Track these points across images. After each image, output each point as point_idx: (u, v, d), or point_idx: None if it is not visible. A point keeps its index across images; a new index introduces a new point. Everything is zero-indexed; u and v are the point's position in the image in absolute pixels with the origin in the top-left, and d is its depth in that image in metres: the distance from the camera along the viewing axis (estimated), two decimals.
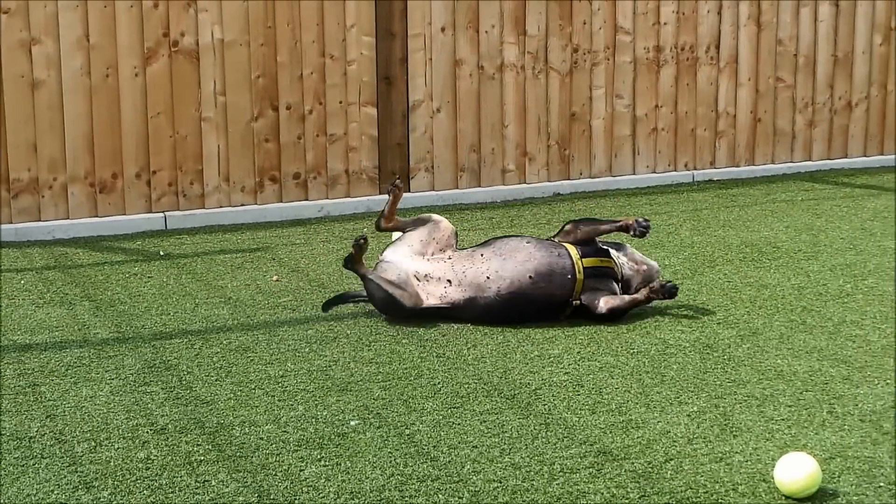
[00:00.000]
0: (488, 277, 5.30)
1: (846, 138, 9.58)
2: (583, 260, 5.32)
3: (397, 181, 5.75)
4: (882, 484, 3.59)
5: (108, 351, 5.01)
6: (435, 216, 5.60)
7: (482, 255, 5.37)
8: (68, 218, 7.42)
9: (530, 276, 5.28)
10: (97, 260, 6.74)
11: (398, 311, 5.35)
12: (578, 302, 5.31)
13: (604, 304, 5.31)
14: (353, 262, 5.52)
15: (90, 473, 3.75)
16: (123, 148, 7.49)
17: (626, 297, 5.36)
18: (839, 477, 3.65)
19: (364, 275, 5.46)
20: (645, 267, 5.54)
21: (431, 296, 5.35)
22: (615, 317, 5.32)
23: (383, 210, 5.69)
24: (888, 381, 4.49)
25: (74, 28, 7.29)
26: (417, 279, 5.37)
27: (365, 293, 5.50)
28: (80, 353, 4.98)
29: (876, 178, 9.09)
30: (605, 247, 5.47)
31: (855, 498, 3.50)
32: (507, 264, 5.31)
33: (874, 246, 6.72)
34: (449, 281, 5.36)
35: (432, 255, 5.46)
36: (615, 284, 5.41)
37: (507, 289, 5.27)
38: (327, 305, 5.54)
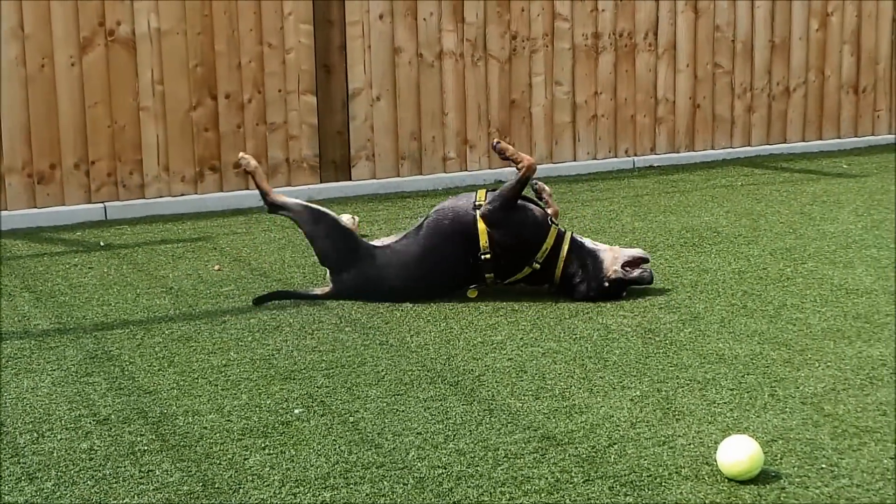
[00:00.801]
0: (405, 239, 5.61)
1: (785, 123, 9.66)
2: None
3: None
4: (823, 465, 3.63)
5: (49, 342, 4.96)
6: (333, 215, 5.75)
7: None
8: (6, 209, 7.34)
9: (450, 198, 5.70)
10: (36, 251, 6.68)
11: (331, 225, 5.60)
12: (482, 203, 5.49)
13: (484, 208, 5.45)
14: (265, 194, 5.73)
15: (33, 464, 3.72)
16: (61, 138, 7.42)
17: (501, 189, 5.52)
18: (781, 459, 3.68)
19: (283, 202, 5.72)
20: (619, 252, 5.56)
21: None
22: (496, 209, 5.42)
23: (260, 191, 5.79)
24: (828, 363, 4.53)
25: (9, 18, 7.21)
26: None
27: (298, 293, 5.60)
28: (21, 344, 4.93)
29: (815, 163, 9.17)
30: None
31: (797, 479, 3.54)
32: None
33: (813, 230, 6.78)
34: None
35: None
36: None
37: (436, 210, 5.60)
38: (259, 301, 5.52)
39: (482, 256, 5.42)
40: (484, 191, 5.58)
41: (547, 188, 5.75)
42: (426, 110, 8.41)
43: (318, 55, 8.05)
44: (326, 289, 5.57)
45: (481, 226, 5.41)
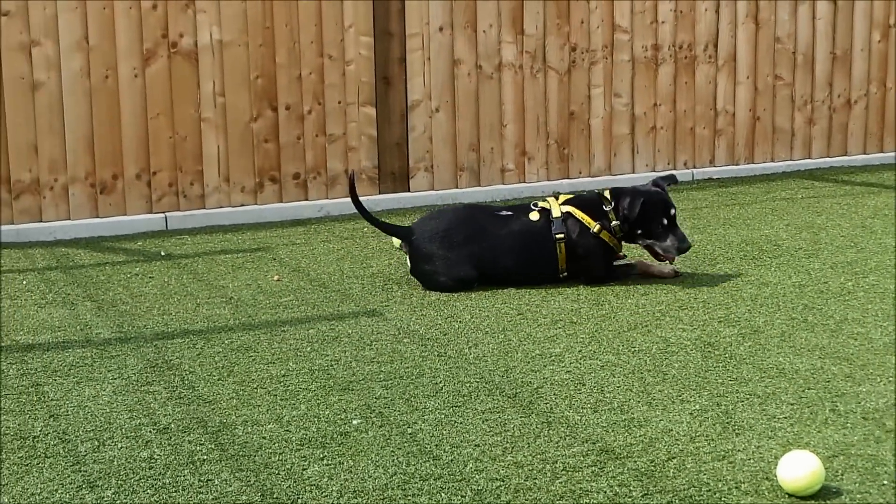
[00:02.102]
0: None
1: (845, 136, 9.59)
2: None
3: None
4: (885, 482, 3.60)
5: (110, 351, 5.01)
6: None
7: None
8: (69, 218, 7.43)
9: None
10: (98, 260, 6.75)
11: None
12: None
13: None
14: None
15: (94, 473, 3.76)
16: (123, 148, 7.50)
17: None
18: (842, 475, 3.65)
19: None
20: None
21: None
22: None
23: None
24: (890, 378, 4.49)
25: (74, 30, 7.30)
26: None
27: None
28: (83, 353, 4.99)
29: (876, 176, 9.09)
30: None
31: (858, 496, 3.51)
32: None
33: (875, 243, 6.72)
34: None
35: None
36: None
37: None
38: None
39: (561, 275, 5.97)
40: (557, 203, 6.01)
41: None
42: (485, 122, 8.42)
43: (377, 67, 8.08)
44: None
45: (561, 249, 5.94)
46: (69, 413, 4.28)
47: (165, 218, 7.62)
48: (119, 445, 3.97)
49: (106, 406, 4.34)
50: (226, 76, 7.69)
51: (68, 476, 3.73)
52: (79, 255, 6.89)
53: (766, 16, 9.16)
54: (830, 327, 5.16)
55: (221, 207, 7.79)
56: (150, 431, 4.09)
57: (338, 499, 3.54)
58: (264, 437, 4.02)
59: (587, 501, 3.51)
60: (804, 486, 3.49)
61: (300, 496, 3.57)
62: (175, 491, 3.62)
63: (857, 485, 3.58)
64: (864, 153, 9.67)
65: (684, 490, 3.57)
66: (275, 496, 3.57)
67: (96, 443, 4.00)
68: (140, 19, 7.43)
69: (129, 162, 7.53)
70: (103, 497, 3.59)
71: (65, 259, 6.78)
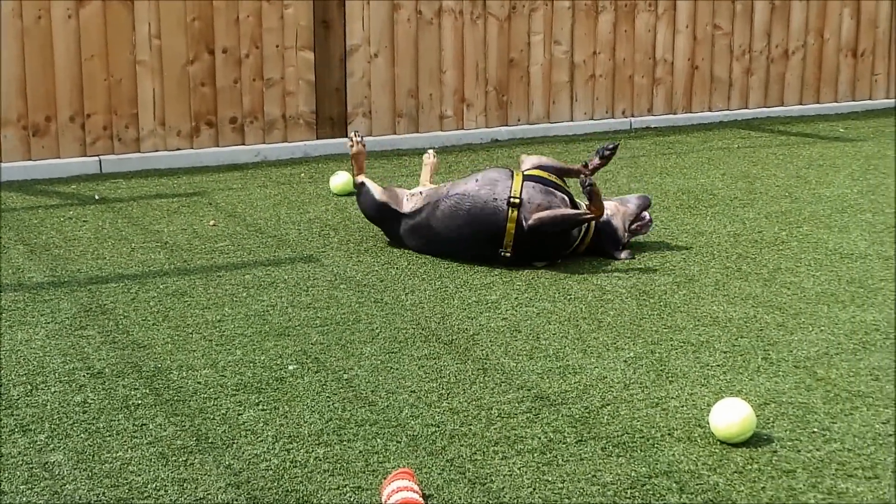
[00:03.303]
0: (446, 188, 5.56)
1: (782, 86, 9.64)
2: (529, 171, 5.49)
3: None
4: (815, 429, 3.64)
5: (43, 295, 4.96)
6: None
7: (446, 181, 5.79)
8: (1, 161, 7.32)
9: (476, 180, 5.47)
10: (31, 204, 6.66)
11: (386, 213, 5.69)
12: (517, 200, 5.30)
13: (533, 217, 5.30)
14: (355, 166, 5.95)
15: (26, 417, 3.73)
16: (57, 91, 7.39)
17: (557, 210, 5.34)
18: (773, 422, 3.69)
19: (361, 182, 5.85)
20: (625, 207, 5.63)
21: (407, 204, 5.65)
22: (543, 229, 5.29)
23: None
24: (822, 327, 4.54)
25: None
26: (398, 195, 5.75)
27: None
28: (15, 296, 4.93)
29: (811, 127, 9.16)
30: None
31: (789, 443, 3.55)
32: (461, 178, 5.69)
33: (809, 194, 6.78)
34: (420, 192, 5.67)
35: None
36: (564, 203, 5.41)
37: (455, 190, 5.46)
38: None
39: (501, 252, 5.36)
40: (520, 178, 5.40)
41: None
42: (424, 68, 8.38)
43: (316, 11, 8.01)
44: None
45: (509, 225, 5.31)
46: (2, 357, 4.23)
47: (100, 161, 7.53)
48: (52, 390, 3.94)
49: (39, 350, 4.31)
50: (162, 18, 7.58)
51: (2, 420, 3.70)
52: (11, 198, 6.80)
53: None
54: (764, 276, 5.21)
55: (157, 151, 7.71)
56: (84, 376, 4.07)
57: (273, 444, 3.54)
58: (199, 382, 4.01)
59: (522, 447, 3.53)
60: (736, 433, 3.52)
61: (235, 441, 3.56)
62: (109, 435, 3.60)
63: (787, 432, 3.62)
64: (801, 104, 9.74)
65: (618, 437, 3.59)
66: (210, 440, 3.56)
67: (29, 387, 3.97)
68: None
69: (62, 105, 7.42)
70: (36, 441, 3.56)
71: None
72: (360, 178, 5.88)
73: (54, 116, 7.41)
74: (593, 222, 5.42)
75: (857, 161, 7.74)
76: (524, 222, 5.29)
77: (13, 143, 7.33)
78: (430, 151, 6.18)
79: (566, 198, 5.43)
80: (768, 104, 9.61)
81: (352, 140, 5.99)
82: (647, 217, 5.64)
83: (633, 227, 5.61)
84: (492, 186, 5.38)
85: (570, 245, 5.43)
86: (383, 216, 5.73)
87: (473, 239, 5.39)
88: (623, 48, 9.01)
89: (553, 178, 5.48)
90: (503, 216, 5.31)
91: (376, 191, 5.76)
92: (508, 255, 5.35)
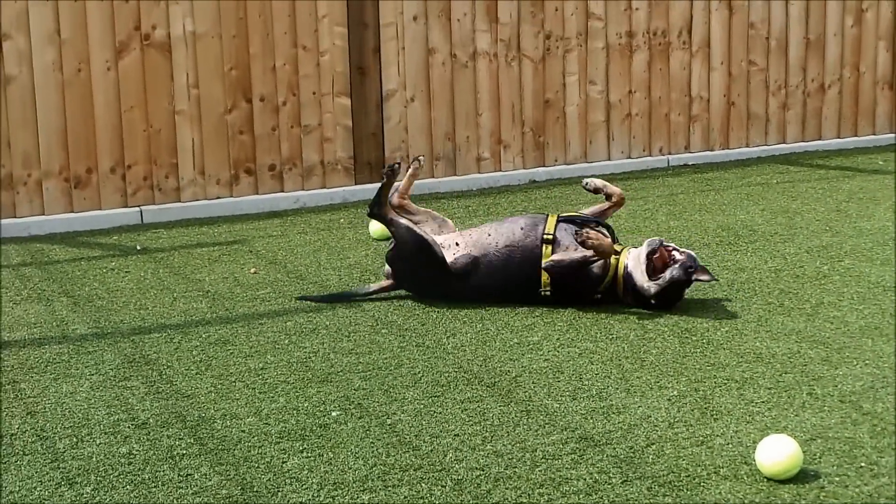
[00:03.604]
0: (489, 234, 5.50)
1: (820, 120, 9.61)
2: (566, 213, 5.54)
3: (395, 165, 5.74)
4: (863, 464, 3.61)
5: (87, 346, 4.99)
6: (440, 216, 5.81)
7: (484, 227, 5.62)
8: (43, 214, 7.39)
9: (521, 228, 5.45)
10: (74, 255, 6.72)
11: (429, 256, 5.47)
12: (551, 237, 5.35)
13: (547, 260, 5.34)
14: (380, 204, 5.63)
15: (72, 469, 3.74)
16: (97, 142, 7.47)
17: (569, 252, 5.35)
18: (820, 458, 3.67)
19: (392, 219, 5.60)
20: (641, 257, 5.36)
21: (447, 253, 5.53)
22: (557, 272, 5.31)
23: (378, 195, 5.67)
24: (866, 361, 4.51)
25: (45, 23, 7.26)
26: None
27: (361, 291, 5.66)
28: (60, 349, 4.97)
29: (850, 160, 9.12)
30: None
31: (836, 479, 3.52)
32: (504, 224, 5.55)
33: (850, 227, 6.74)
34: (457, 244, 5.54)
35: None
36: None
37: (503, 241, 5.43)
38: (305, 299, 5.58)
39: (541, 292, 5.38)
40: (555, 218, 5.45)
41: (597, 182, 5.72)
42: (460, 111, 8.42)
43: (352, 57, 8.06)
44: (384, 283, 5.62)
45: (544, 262, 5.35)
46: (47, 410, 4.26)
47: (141, 211, 7.59)
48: (97, 441, 3.96)
49: (83, 402, 4.33)
50: (199, 68, 7.66)
51: (47, 473, 3.72)
52: (54, 250, 6.86)
53: (739, 1, 9.17)
54: (807, 311, 5.18)
55: (197, 200, 7.76)
56: (129, 427, 4.08)
57: (318, 491, 3.54)
58: (243, 431, 4.02)
59: (567, 489, 3.51)
60: (782, 470, 3.50)
61: (280, 489, 3.57)
62: (154, 486, 3.61)
63: (834, 468, 3.59)
64: (839, 137, 9.70)
65: (664, 476, 3.58)
66: (255, 489, 3.57)
67: (74, 439, 3.99)
68: (112, 11, 7.39)
69: (103, 155, 7.49)
70: (82, 494, 3.58)
71: (40, 255, 6.75)
72: (390, 216, 5.60)
73: (95, 168, 7.48)
74: (619, 268, 5.32)
75: None
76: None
77: (55, 194, 7.40)
78: (421, 157, 5.99)
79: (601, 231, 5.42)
80: (806, 138, 9.59)
81: (419, 162, 5.89)
82: (680, 257, 5.27)
83: (656, 278, 5.24)
84: (534, 231, 5.41)
85: (596, 286, 5.35)
86: (428, 258, 5.48)
87: (522, 283, 5.41)
88: (658, 86, 9.02)
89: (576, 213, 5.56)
90: (539, 255, 5.35)
91: (419, 229, 5.56)
92: (549, 293, 5.36)
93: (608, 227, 5.50)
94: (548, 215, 5.50)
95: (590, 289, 5.37)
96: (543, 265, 5.33)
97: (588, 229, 5.31)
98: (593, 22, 8.71)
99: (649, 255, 5.26)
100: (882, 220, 6.87)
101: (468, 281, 5.46)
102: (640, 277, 5.27)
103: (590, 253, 5.28)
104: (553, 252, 5.35)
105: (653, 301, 5.24)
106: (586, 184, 5.70)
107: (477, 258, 5.46)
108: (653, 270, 5.24)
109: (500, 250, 5.43)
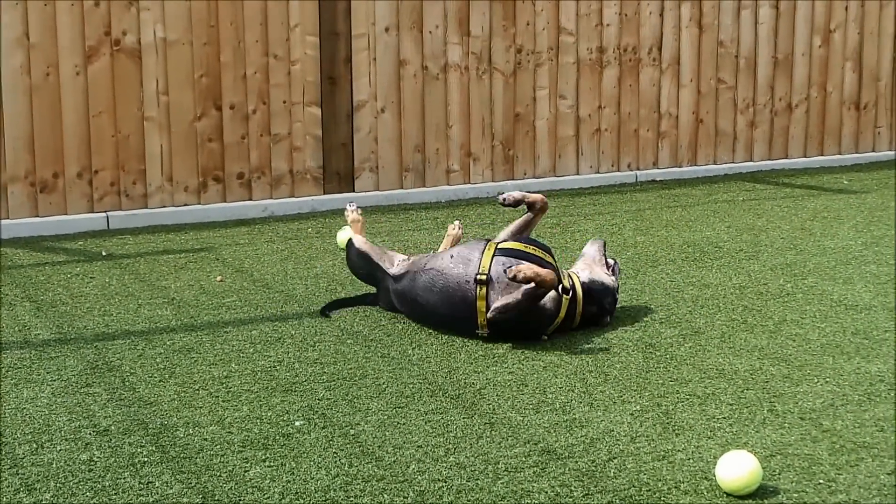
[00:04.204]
0: (425, 259, 5.32)
1: (786, 139, 9.68)
2: (503, 243, 5.21)
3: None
4: (822, 481, 3.64)
5: (49, 352, 4.97)
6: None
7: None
8: (8, 218, 7.36)
9: (451, 256, 5.18)
10: (38, 260, 6.69)
11: (370, 267, 5.56)
12: (484, 277, 5.01)
13: (492, 310, 5.01)
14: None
15: (32, 475, 3.73)
16: (65, 147, 7.44)
17: (514, 293, 4.96)
18: (779, 474, 3.69)
19: (349, 238, 5.72)
20: (592, 260, 5.36)
21: (396, 267, 5.45)
22: (503, 319, 4.98)
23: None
24: (827, 379, 4.54)
25: (14, 27, 7.23)
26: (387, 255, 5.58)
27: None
28: (21, 354, 4.94)
29: (815, 179, 9.19)
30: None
31: (795, 495, 3.55)
32: (441, 251, 5.46)
33: (814, 246, 6.79)
34: (408, 258, 5.47)
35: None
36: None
37: (431, 265, 5.21)
38: (326, 310, 5.57)
39: (478, 332, 5.09)
40: (490, 253, 5.09)
41: (515, 194, 5.45)
42: (430, 123, 8.43)
43: (323, 67, 8.07)
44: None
45: (479, 304, 5.03)
46: (7, 415, 4.24)
47: (107, 217, 7.57)
48: (58, 448, 3.95)
49: (44, 408, 4.31)
50: (170, 75, 7.65)
51: (6, 479, 3.70)
52: (18, 254, 6.83)
53: (709, 20, 9.23)
54: (769, 328, 5.21)
55: (164, 207, 7.74)
56: (90, 434, 4.07)
57: (280, 500, 3.54)
58: (206, 439, 4.01)
59: (529, 502, 3.52)
60: (742, 486, 3.52)
61: (242, 498, 3.56)
62: (115, 493, 3.60)
63: (793, 484, 3.62)
64: (805, 156, 9.77)
65: (625, 490, 3.59)
66: (216, 498, 3.56)
67: (34, 445, 3.97)
68: (82, 16, 7.37)
69: (70, 161, 7.47)
70: (42, 500, 3.56)
71: (3, 259, 6.72)
72: (353, 237, 5.68)
73: (62, 173, 7.45)
74: (568, 295, 5.08)
75: (861, 213, 7.76)
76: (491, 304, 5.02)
77: (20, 199, 7.37)
78: (457, 223, 5.81)
79: (542, 263, 5.08)
80: (773, 157, 9.65)
81: (347, 209, 5.86)
82: (613, 262, 5.42)
83: (611, 273, 5.33)
84: (465, 265, 5.10)
85: (552, 319, 5.08)
86: (368, 270, 5.52)
87: (451, 316, 5.14)
88: (628, 102, 9.06)
89: (528, 247, 5.16)
90: (473, 295, 5.06)
91: (361, 243, 5.58)
92: (485, 334, 5.08)
93: (547, 249, 5.22)
94: (486, 245, 5.17)
95: (537, 328, 5.07)
96: (488, 316, 4.98)
97: (517, 263, 4.96)
98: (564, 37, 8.75)
99: (604, 249, 5.43)
100: (845, 240, 6.92)
101: (405, 294, 5.33)
102: (604, 274, 5.32)
103: (531, 286, 4.89)
104: (488, 293, 5.02)
105: (611, 299, 5.26)
106: (504, 199, 5.38)
107: (410, 271, 5.31)
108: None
109: (427, 271, 5.20)
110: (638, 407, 4.28)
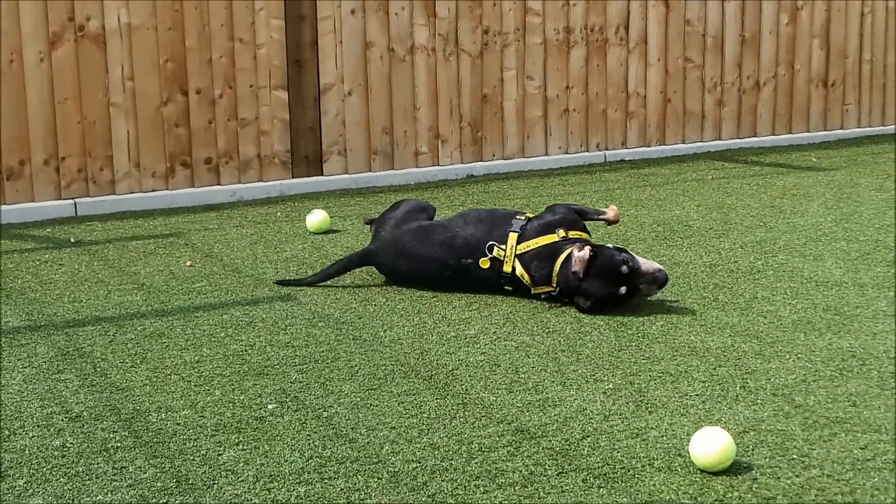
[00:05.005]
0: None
1: (755, 117, 9.70)
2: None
3: None
4: (795, 456, 3.65)
5: (19, 339, 4.94)
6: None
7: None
8: None
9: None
10: (6, 248, 6.64)
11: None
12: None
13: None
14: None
15: (5, 462, 3.71)
16: (31, 134, 7.38)
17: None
18: (753, 450, 3.70)
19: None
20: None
21: None
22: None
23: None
24: (799, 355, 4.56)
25: None
26: None
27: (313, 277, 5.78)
28: None
29: (784, 157, 9.22)
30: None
31: (768, 470, 3.56)
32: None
33: (783, 223, 6.81)
34: None
35: None
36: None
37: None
38: (284, 283, 5.73)
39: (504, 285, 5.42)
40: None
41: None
42: (398, 105, 8.41)
43: (289, 50, 8.03)
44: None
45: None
46: None
47: (75, 204, 7.52)
48: (30, 434, 3.92)
49: (16, 395, 4.29)
50: (135, 60, 7.60)
51: None
52: None
53: None
54: (741, 306, 5.23)
55: (132, 193, 7.70)
56: (63, 420, 4.05)
57: (254, 483, 3.53)
58: (179, 424, 4.00)
59: (503, 481, 3.52)
60: (716, 462, 3.53)
61: (216, 481, 3.55)
62: (89, 479, 3.58)
63: (767, 459, 3.63)
64: (773, 134, 9.80)
65: (599, 468, 3.60)
66: (190, 482, 3.55)
67: (7, 432, 3.95)
68: (45, 2, 7.31)
69: (36, 148, 7.41)
70: (15, 486, 3.54)
71: None
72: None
73: (28, 160, 7.40)
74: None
75: (830, 190, 7.79)
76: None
77: None
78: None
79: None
80: (741, 135, 9.67)
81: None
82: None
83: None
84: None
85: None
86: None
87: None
88: (595, 82, 9.06)
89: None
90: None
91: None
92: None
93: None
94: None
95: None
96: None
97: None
98: (531, 17, 8.74)
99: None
100: (815, 217, 6.95)
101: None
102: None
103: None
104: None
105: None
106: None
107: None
108: None
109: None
110: (611, 385, 4.29)
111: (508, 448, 3.76)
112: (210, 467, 3.65)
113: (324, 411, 4.09)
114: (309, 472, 3.60)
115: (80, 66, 7.45)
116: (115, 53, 7.54)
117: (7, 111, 7.31)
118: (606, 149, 9.18)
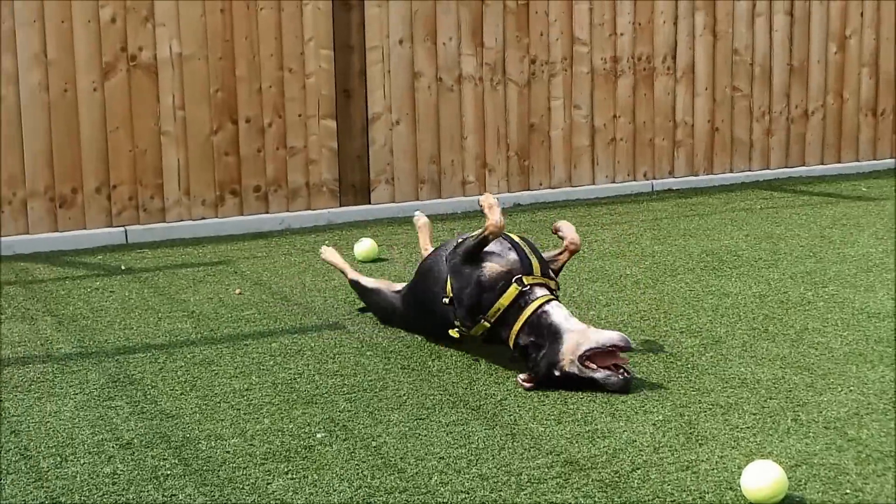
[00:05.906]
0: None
1: (803, 146, 9.66)
2: None
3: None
4: (848, 491, 3.62)
5: (71, 366, 4.98)
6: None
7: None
8: (28, 233, 7.38)
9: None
10: (58, 275, 6.70)
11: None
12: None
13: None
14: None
15: (56, 489, 3.73)
16: (83, 162, 7.46)
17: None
18: (805, 484, 3.67)
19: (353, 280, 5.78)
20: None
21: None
22: (456, 255, 4.94)
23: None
24: (851, 387, 4.52)
25: (32, 44, 7.25)
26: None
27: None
28: (44, 368, 4.95)
29: (833, 186, 9.16)
30: None
31: None
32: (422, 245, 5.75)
33: (833, 253, 6.77)
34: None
35: None
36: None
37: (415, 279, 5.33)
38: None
39: (443, 300, 4.97)
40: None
41: (486, 200, 4.95)
42: (445, 134, 8.43)
43: (338, 80, 8.08)
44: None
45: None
46: (30, 429, 4.24)
47: (125, 232, 7.58)
48: (82, 461, 3.95)
49: (68, 421, 4.32)
50: (185, 89, 7.66)
51: (31, 492, 3.70)
52: (38, 269, 6.85)
53: (723, 28, 9.22)
54: (791, 337, 5.20)
55: (182, 221, 7.76)
56: (113, 447, 4.07)
57: None
58: (228, 452, 4.01)
59: None
60: (768, 496, 3.50)
61: None
62: None
63: (819, 493, 3.60)
64: (822, 163, 9.75)
65: (648, 500, 3.58)
66: None
67: (58, 458, 3.97)
68: (99, 33, 7.40)
69: (88, 176, 7.49)
70: None
71: (24, 274, 6.73)
72: (351, 276, 5.77)
73: (80, 188, 7.47)
74: (526, 312, 4.72)
75: (880, 220, 7.74)
76: None
77: (40, 214, 7.39)
78: (418, 213, 6.02)
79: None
80: (789, 164, 9.63)
81: (416, 217, 6.03)
82: (612, 373, 4.55)
83: (585, 365, 4.54)
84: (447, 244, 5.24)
85: (488, 307, 4.80)
86: (382, 303, 5.56)
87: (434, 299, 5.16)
88: (643, 111, 9.05)
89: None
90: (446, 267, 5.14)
91: (367, 281, 5.70)
92: (447, 303, 4.99)
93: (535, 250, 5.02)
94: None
95: (478, 309, 4.83)
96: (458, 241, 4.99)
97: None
98: (578, 47, 8.75)
99: (601, 354, 4.60)
100: (865, 247, 6.90)
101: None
102: (568, 350, 4.62)
103: (485, 231, 4.83)
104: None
105: (555, 373, 4.61)
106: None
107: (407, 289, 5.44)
108: None
109: (417, 278, 5.33)
110: (660, 417, 4.26)
111: (558, 480, 3.74)
112: (259, 496, 3.66)
113: (372, 441, 4.09)
114: (357, 502, 3.60)
115: (132, 95, 7.53)
116: (166, 83, 7.61)
117: (60, 140, 7.39)
118: (654, 178, 9.17)
